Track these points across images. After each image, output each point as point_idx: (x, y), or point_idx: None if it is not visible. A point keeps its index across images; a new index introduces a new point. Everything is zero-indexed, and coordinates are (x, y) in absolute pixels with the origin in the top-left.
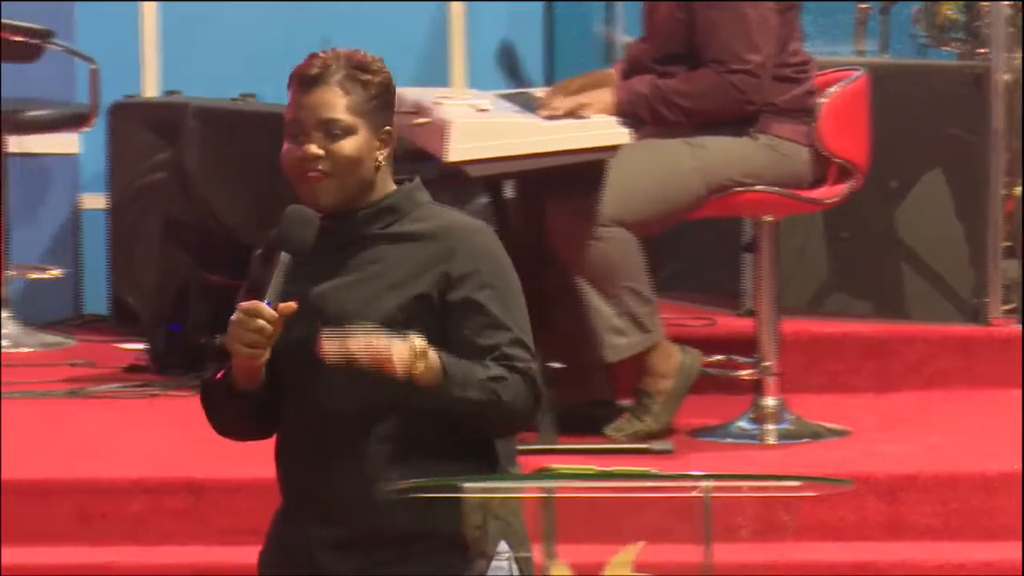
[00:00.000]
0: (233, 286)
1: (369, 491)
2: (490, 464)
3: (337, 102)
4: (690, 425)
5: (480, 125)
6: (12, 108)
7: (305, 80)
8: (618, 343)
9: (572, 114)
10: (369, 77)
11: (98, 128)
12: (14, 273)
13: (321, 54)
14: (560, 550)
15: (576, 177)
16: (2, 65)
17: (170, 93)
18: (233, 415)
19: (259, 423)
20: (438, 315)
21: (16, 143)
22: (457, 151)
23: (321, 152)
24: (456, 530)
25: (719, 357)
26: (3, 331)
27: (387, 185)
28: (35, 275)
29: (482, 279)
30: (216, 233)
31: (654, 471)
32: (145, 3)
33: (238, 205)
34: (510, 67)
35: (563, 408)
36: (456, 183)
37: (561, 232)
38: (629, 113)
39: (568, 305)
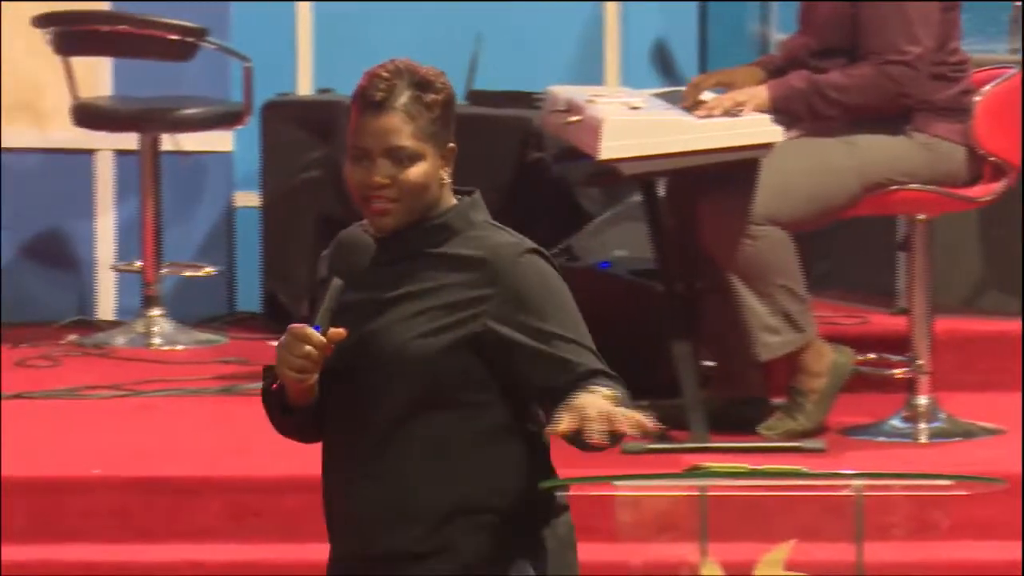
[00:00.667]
0: None
1: (402, 508)
2: (530, 477)
3: (403, 129)
4: (842, 424)
5: (633, 123)
6: (167, 106)
7: (369, 105)
8: (771, 341)
9: (727, 112)
10: (433, 97)
11: (252, 126)
12: (168, 271)
13: (384, 73)
14: (711, 548)
15: (729, 175)
16: (158, 64)
17: (323, 91)
18: (288, 427)
19: (318, 433)
20: (493, 342)
21: (170, 141)
22: (609, 149)
23: (387, 181)
24: (474, 552)
25: (872, 356)
26: (156, 329)
27: (447, 200)
28: (189, 273)
29: (541, 305)
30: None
31: (806, 470)
32: (300, 3)
33: None
34: (664, 65)
35: (716, 406)
36: (608, 181)
37: (714, 230)
38: (785, 109)
39: (721, 303)
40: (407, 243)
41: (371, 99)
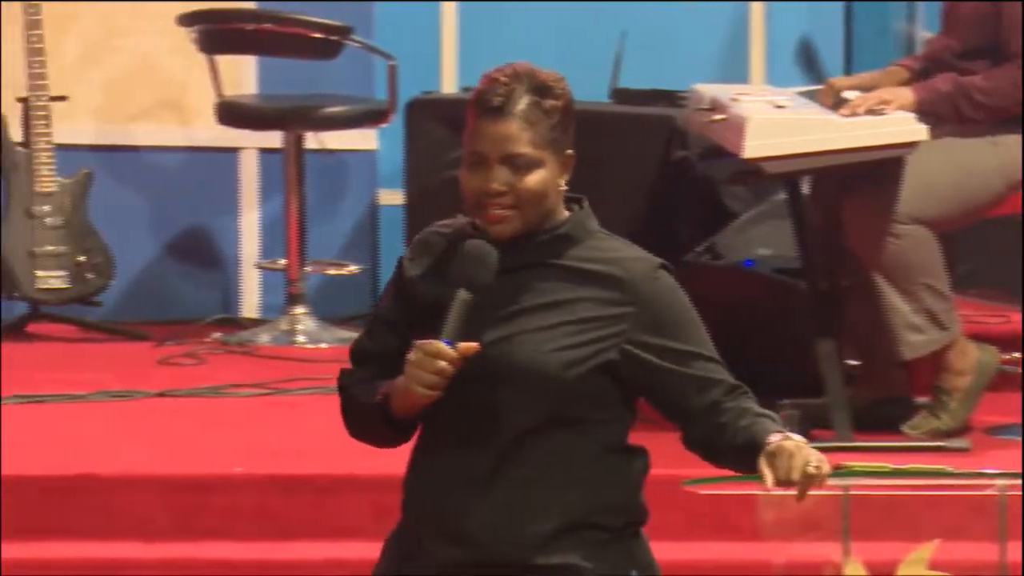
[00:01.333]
0: None
1: (513, 518)
2: (637, 491)
3: (521, 135)
4: (987, 422)
5: (777, 122)
6: (311, 104)
7: (487, 109)
8: (915, 340)
9: (871, 111)
10: (552, 102)
11: (396, 124)
12: (311, 269)
13: (502, 77)
14: (854, 548)
15: (873, 174)
16: (302, 62)
17: (467, 89)
18: (377, 435)
19: (403, 441)
20: (629, 362)
21: (314, 139)
22: (754, 147)
23: (504, 188)
24: (588, 567)
25: (1016, 354)
26: (300, 327)
27: (562, 208)
28: (332, 271)
29: (679, 324)
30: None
31: (950, 469)
32: (445, 1)
33: None
34: (808, 64)
35: (860, 405)
36: (753, 180)
37: (858, 229)
38: (930, 111)
39: (865, 302)
40: (527, 252)
41: (489, 104)
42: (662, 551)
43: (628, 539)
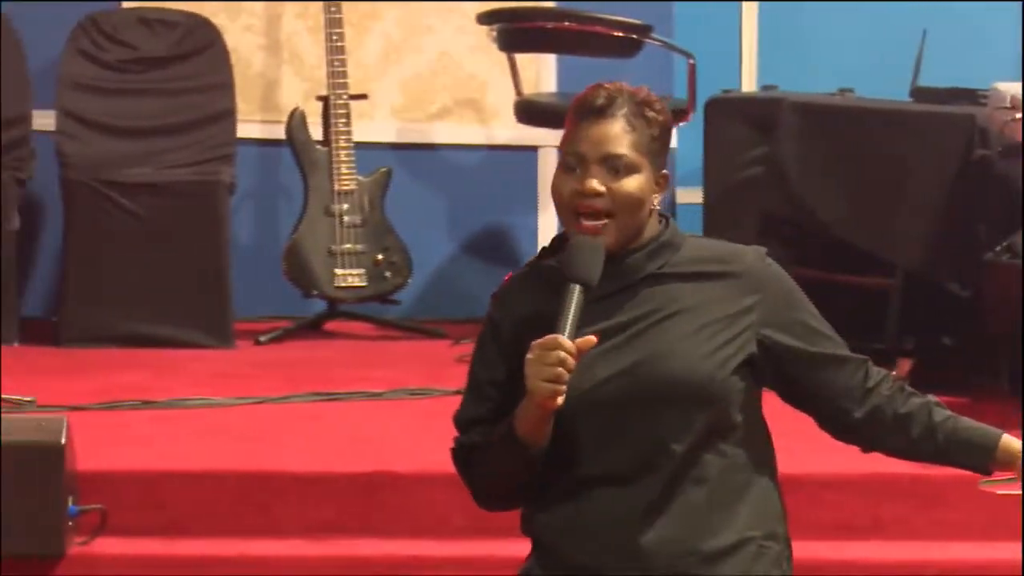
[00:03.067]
0: (826, 280)
1: (695, 544)
2: (781, 499)
3: (623, 137)
4: None
5: None
6: None
7: (590, 110)
8: None
9: None
10: (654, 115)
11: (695, 123)
12: None
13: (607, 85)
14: None
15: None
16: (601, 60)
17: (767, 88)
18: (512, 475)
19: (528, 486)
20: (765, 351)
21: None
22: None
23: (603, 189)
24: None
25: None
26: None
27: (655, 227)
28: None
29: (802, 303)
30: (811, 227)
31: None
32: (746, 1)
33: (834, 200)
34: None
35: None
36: None
37: None
38: None
39: None
40: (635, 266)
41: (592, 105)
42: (959, 551)
43: (784, 550)
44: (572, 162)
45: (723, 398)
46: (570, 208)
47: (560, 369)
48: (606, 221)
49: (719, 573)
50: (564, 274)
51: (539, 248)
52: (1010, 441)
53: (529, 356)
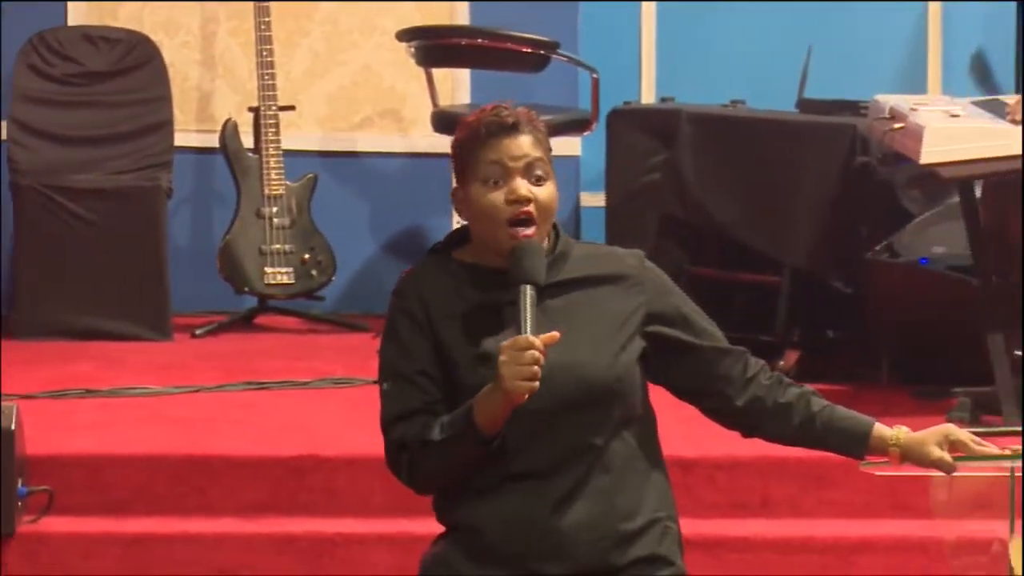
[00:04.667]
0: (721, 278)
1: (613, 528)
2: (669, 487)
3: (536, 147)
4: None
5: (953, 130)
6: None
7: (502, 127)
8: None
9: None
10: (544, 134)
11: (598, 132)
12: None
13: (504, 107)
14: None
15: None
16: (512, 74)
17: (664, 100)
18: (463, 466)
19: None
20: (653, 343)
21: None
22: (931, 154)
23: (532, 195)
24: (670, 559)
25: None
26: None
27: (550, 237)
28: None
29: (680, 294)
30: (707, 229)
31: None
32: (645, 19)
33: (728, 204)
34: (982, 75)
35: None
36: (929, 184)
37: None
38: None
39: None
40: (552, 275)
41: (504, 122)
42: (842, 528)
43: (676, 530)
44: (495, 175)
45: (631, 393)
46: (505, 218)
47: (536, 367)
48: (533, 228)
49: (633, 554)
50: (514, 278)
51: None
52: (881, 429)
53: (502, 358)
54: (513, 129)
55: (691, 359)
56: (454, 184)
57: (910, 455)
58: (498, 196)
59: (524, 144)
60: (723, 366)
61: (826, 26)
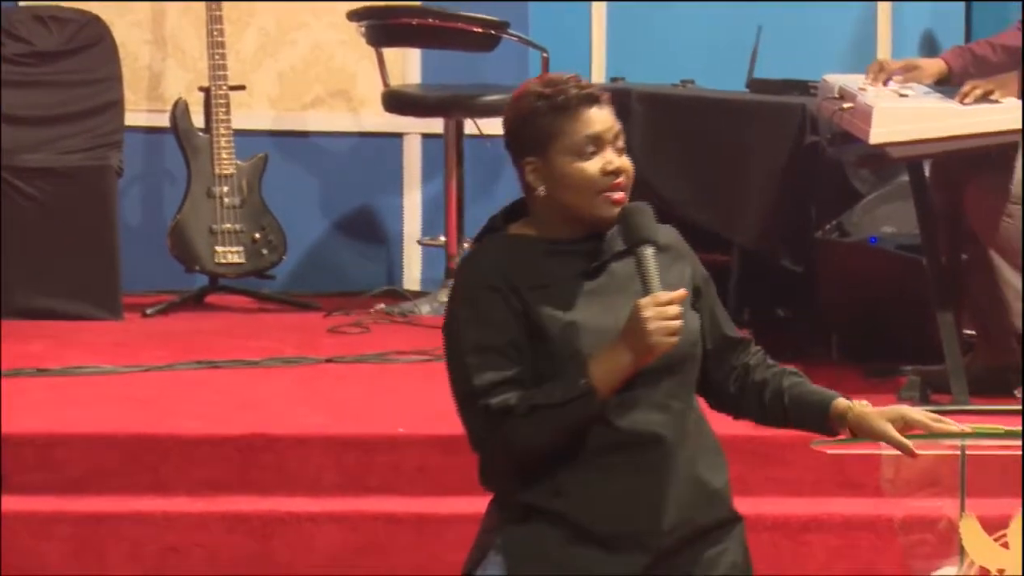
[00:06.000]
0: None
1: (701, 489)
2: None
3: (616, 120)
4: None
5: (901, 110)
6: (471, 93)
7: (588, 99)
8: None
9: (985, 99)
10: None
11: None
12: (469, 245)
13: (576, 78)
14: (969, 504)
15: (990, 158)
16: (462, 53)
17: (615, 80)
18: (572, 433)
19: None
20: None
21: (473, 125)
22: (879, 134)
23: (626, 167)
24: (738, 522)
25: None
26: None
27: None
28: None
29: (710, 279)
30: (657, 208)
31: None
32: (596, 1)
33: (678, 183)
34: (931, 55)
35: (976, 372)
36: (878, 163)
37: (975, 209)
38: None
39: (982, 276)
40: (611, 241)
41: (589, 94)
42: (792, 506)
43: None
44: (588, 147)
45: (699, 358)
46: (601, 188)
47: (679, 322)
48: (624, 196)
49: (715, 515)
50: (632, 240)
51: (405, 227)
52: (839, 403)
53: (646, 314)
54: (598, 100)
55: (716, 346)
56: (526, 157)
57: (860, 428)
58: (592, 167)
59: (609, 116)
60: (734, 356)
61: (776, 6)
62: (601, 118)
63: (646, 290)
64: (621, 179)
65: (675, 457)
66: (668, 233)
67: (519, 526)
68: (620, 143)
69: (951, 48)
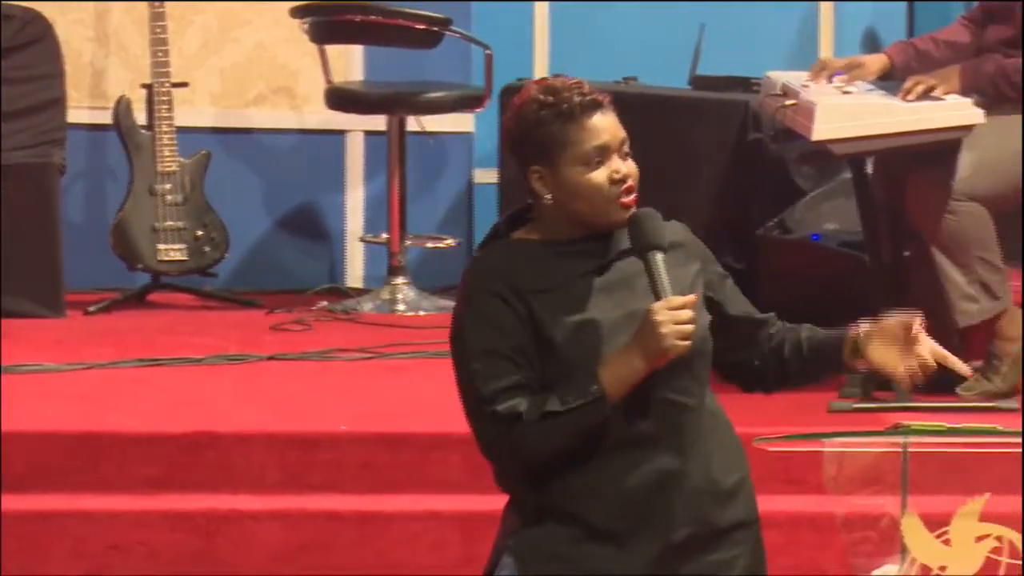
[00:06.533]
0: None
1: (713, 487)
2: None
3: (621, 125)
4: None
5: (844, 107)
6: (413, 91)
7: (593, 105)
8: (970, 309)
9: (920, 96)
10: None
11: (491, 109)
12: (412, 242)
13: (580, 82)
14: (911, 501)
15: (933, 154)
16: (405, 51)
17: (557, 77)
18: (582, 438)
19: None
20: (712, 310)
21: (416, 122)
22: (822, 130)
23: (631, 171)
24: (756, 516)
25: None
26: (400, 296)
27: None
28: (431, 244)
29: (721, 268)
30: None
31: (1001, 428)
32: (537, 2)
33: None
34: (873, 52)
35: None
36: (821, 160)
37: (918, 206)
38: (973, 90)
39: (925, 273)
40: (617, 240)
41: (594, 100)
42: None
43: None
44: (596, 155)
45: (711, 354)
46: (612, 196)
47: (692, 326)
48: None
49: (731, 516)
50: (641, 246)
51: (348, 225)
52: (856, 333)
53: (659, 318)
54: (601, 106)
55: (729, 328)
56: (532, 166)
57: (871, 356)
58: (599, 176)
59: (614, 122)
60: (758, 336)
61: (719, 5)
62: (607, 126)
63: (657, 296)
64: (629, 183)
65: (687, 455)
66: (676, 230)
67: (531, 528)
68: (626, 148)
69: (894, 43)
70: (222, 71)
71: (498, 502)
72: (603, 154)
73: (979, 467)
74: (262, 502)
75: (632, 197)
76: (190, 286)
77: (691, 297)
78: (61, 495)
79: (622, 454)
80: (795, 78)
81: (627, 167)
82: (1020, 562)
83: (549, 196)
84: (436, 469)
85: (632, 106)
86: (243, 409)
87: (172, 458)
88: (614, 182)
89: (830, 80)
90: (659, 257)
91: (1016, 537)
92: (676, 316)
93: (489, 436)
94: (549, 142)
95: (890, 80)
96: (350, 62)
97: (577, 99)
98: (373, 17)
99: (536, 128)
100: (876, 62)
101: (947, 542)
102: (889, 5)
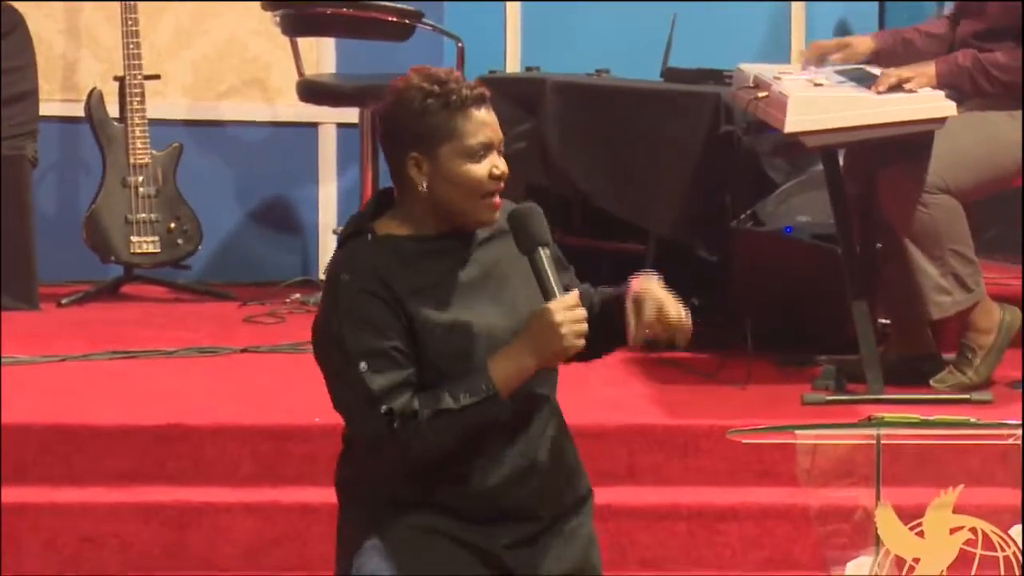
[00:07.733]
0: (587, 246)
1: (561, 472)
2: None
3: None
4: (1009, 377)
5: (816, 99)
6: (386, 83)
7: (479, 99)
8: (943, 301)
9: (900, 88)
10: None
11: None
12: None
13: (454, 73)
14: (885, 492)
15: (905, 147)
16: (377, 43)
17: (530, 69)
18: (473, 434)
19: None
20: None
21: None
22: (794, 123)
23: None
24: (590, 502)
25: None
26: None
27: None
28: None
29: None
30: (572, 198)
31: (974, 420)
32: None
33: (593, 173)
34: None
35: (891, 361)
36: (793, 152)
37: (891, 198)
38: (949, 84)
39: (897, 265)
40: (477, 236)
41: (480, 94)
42: (708, 495)
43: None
44: (480, 150)
45: None
46: (486, 190)
47: (585, 324)
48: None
49: (576, 493)
50: (525, 242)
51: (320, 217)
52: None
53: (557, 319)
54: (486, 101)
55: None
56: (410, 152)
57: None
58: (481, 170)
59: (495, 117)
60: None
61: None
62: (491, 121)
63: (546, 293)
64: (501, 184)
65: (543, 440)
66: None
67: (394, 519)
68: (502, 147)
69: (883, 30)
70: (194, 63)
71: None
72: (487, 149)
73: (952, 459)
74: (235, 495)
75: (499, 201)
76: (163, 279)
77: (574, 293)
78: (34, 488)
79: (489, 443)
80: (767, 70)
81: (504, 165)
82: (995, 553)
83: (424, 185)
84: None
85: (604, 98)
86: (216, 401)
87: (145, 450)
88: (493, 177)
89: (822, 63)
90: (546, 254)
91: (989, 528)
92: (573, 315)
93: (381, 433)
94: (433, 131)
95: (874, 64)
96: (322, 55)
97: (465, 92)
98: (345, 10)
99: (421, 117)
100: (864, 43)
101: (921, 534)
102: (861, 6)
